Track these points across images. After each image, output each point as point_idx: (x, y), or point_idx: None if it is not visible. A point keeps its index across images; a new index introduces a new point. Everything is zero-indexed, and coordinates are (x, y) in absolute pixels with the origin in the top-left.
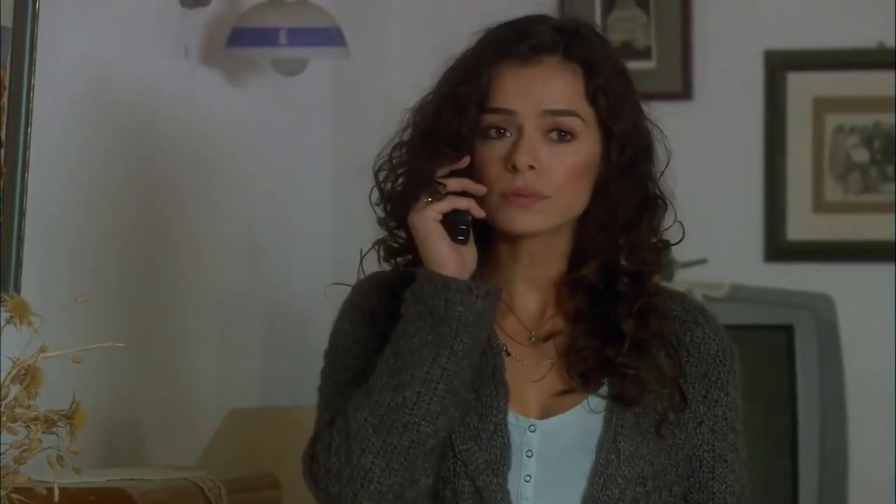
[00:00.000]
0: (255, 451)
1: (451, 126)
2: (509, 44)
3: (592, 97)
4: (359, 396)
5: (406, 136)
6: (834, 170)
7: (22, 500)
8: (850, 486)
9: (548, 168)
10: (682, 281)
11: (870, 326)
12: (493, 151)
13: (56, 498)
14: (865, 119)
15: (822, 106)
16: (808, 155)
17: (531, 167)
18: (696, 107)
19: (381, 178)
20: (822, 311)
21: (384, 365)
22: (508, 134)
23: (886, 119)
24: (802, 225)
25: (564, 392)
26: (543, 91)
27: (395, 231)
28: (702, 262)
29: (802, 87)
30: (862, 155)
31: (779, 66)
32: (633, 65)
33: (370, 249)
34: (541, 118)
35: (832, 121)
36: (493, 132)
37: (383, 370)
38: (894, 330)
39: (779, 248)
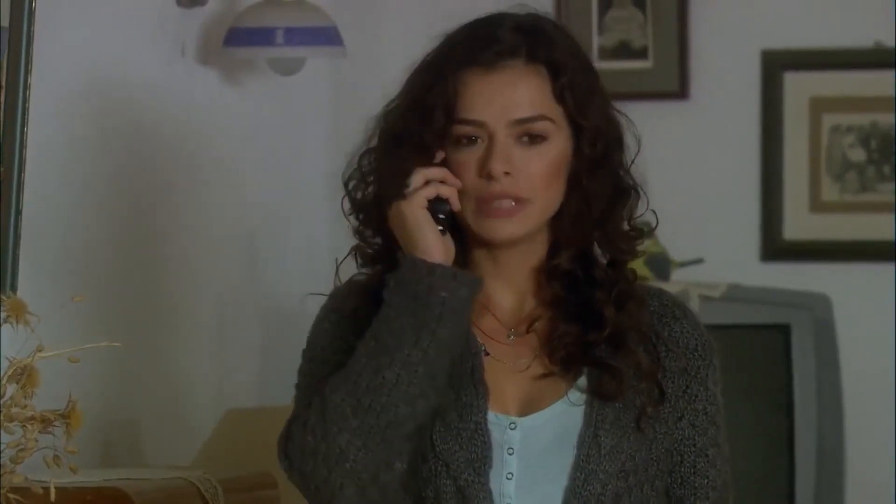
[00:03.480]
0: (251, 451)
1: (417, 133)
2: (473, 50)
3: (560, 96)
4: (336, 379)
5: (373, 144)
6: (831, 169)
7: (19, 499)
8: (846, 486)
9: (523, 171)
10: (678, 280)
11: (867, 326)
12: (467, 157)
13: (53, 497)
14: (862, 119)
15: (819, 105)
16: (805, 154)
17: (506, 173)
18: (692, 106)
19: (350, 187)
20: (818, 310)
21: (364, 348)
22: (480, 140)
23: (883, 118)
24: (799, 224)
25: (545, 376)
26: (511, 98)
27: (369, 238)
28: (698, 261)
29: (799, 87)
30: (859, 154)
31: (776, 65)
32: (629, 64)
33: (346, 257)
34: (511, 126)
35: (829, 120)
36: (464, 140)
37: (363, 353)
38: (893, 330)
39: (775, 248)
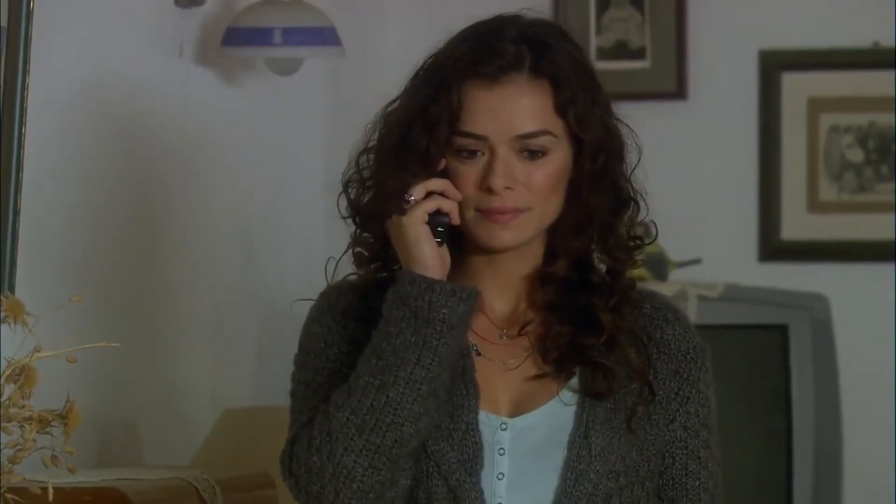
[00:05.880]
0: (249, 451)
1: (420, 144)
2: (477, 63)
3: (562, 110)
4: (340, 396)
5: (372, 143)
6: (828, 169)
7: (17, 499)
8: (844, 487)
9: (524, 184)
10: (676, 281)
11: (864, 326)
12: (468, 169)
13: (51, 497)
14: (860, 119)
15: (817, 105)
16: (803, 155)
17: (507, 188)
18: (690, 107)
19: (349, 189)
20: (816, 310)
21: (366, 365)
22: (481, 153)
23: (882, 118)
24: (797, 224)
25: (537, 377)
26: (513, 113)
27: (367, 240)
28: (696, 261)
29: (797, 87)
30: (856, 154)
31: (773, 65)
32: (627, 64)
33: (342, 255)
34: (513, 142)
35: (827, 120)
36: (465, 152)
37: (365, 370)
38: (892, 330)
39: (773, 248)
